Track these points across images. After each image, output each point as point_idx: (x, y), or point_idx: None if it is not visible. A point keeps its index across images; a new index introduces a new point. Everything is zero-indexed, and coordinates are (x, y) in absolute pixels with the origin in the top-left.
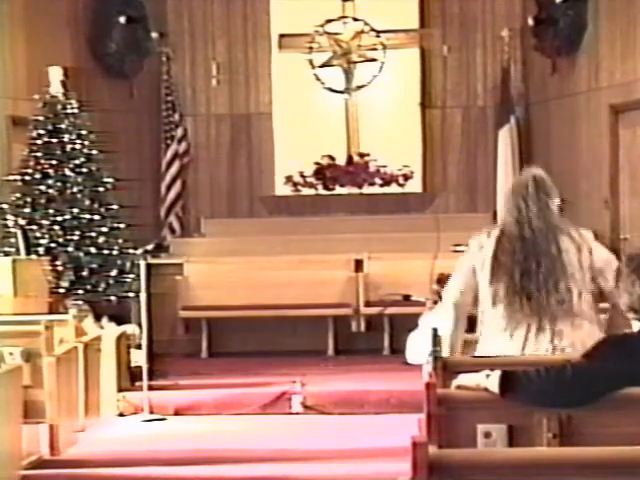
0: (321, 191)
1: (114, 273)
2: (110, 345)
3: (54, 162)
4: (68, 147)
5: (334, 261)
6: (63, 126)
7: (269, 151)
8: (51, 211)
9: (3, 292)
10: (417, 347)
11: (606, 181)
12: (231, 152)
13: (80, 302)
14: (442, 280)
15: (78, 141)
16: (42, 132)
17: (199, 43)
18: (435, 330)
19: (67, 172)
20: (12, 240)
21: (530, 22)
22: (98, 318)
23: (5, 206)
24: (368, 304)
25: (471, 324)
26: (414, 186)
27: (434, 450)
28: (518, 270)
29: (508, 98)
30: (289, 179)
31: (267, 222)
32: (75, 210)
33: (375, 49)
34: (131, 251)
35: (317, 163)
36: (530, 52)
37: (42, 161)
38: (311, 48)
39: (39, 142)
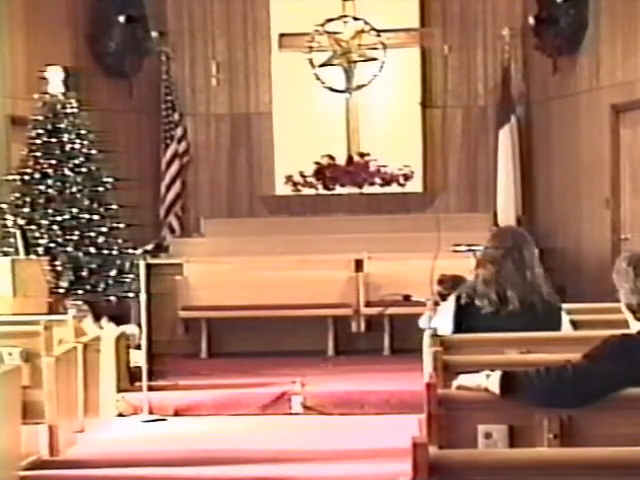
0: (321, 191)
1: (113, 273)
2: (109, 345)
3: (53, 162)
4: (67, 147)
5: (334, 261)
6: (62, 126)
7: (269, 151)
8: (50, 211)
9: (2, 292)
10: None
11: (607, 181)
12: (231, 152)
13: (79, 302)
14: (443, 281)
15: (77, 141)
16: (41, 132)
17: (199, 42)
18: (435, 330)
19: (66, 172)
20: (11, 240)
21: (531, 21)
22: (97, 318)
23: (4, 206)
24: (368, 304)
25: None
26: (414, 186)
27: (434, 451)
28: None
29: (509, 97)
30: (289, 179)
31: (267, 222)
32: (74, 210)
33: (375, 48)
34: (130, 251)
35: (317, 163)
36: (531, 51)
37: (41, 161)
38: (311, 47)
39: (38, 142)
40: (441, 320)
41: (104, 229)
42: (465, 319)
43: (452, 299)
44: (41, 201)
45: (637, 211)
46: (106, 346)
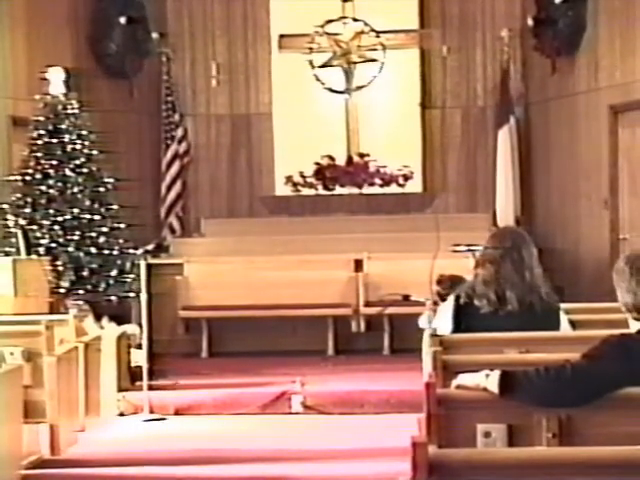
0: (321, 191)
1: (114, 273)
2: (110, 345)
3: (54, 162)
4: (68, 147)
5: (334, 261)
6: (63, 126)
7: (269, 151)
8: (51, 211)
9: (4, 292)
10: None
11: (605, 181)
12: (231, 152)
13: (80, 302)
14: (442, 281)
15: (78, 141)
16: (42, 132)
17: (199, 43)
18: (435, 330)
19: (67, 172)
20: (12, 240)
21: (530, 22)
22: (98, 318)
23: (5, 206)
24: (368, 304)
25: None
26: (414, 186)
27: (434, 450)
28: None
29: (508, 98)
30: (289, 179)
31: (267, 222)
32: (75, 210)
33: (375, 49)
34: (131, 251)
35: (317, 163)
36: (530, 52)
37: (42, 161)
38: (311, 48)
39: (39, 142)
40: (440, 320)
41: (105, 229)
42: (464, 319)
43: (451, 299)
44: (42, 201)
45: (636, 211)
46: (107, 346)
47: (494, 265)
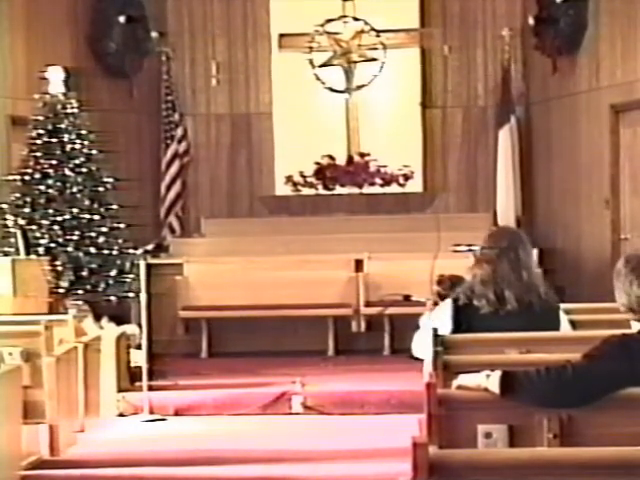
0: (321, 191)
1: (114, 273)
2: (110, 345)
3: (54, 162)
4: (68, 147)
5: (334, 261)
6: (63, 126)
7: (269, 151)
8: (51, 211)
9: (3, 292)
10: (423, 344)
11: (607, 181)
12: (231, 152)
13: (80, 302)
14: (442, 281)
15: (78, 141)
16: (42, 132)
17: (199, 43)
18: (435, 330)
19: (67, 172)
20: (12, 240)
21: (531, 21)
22: (98, 318)
23: (5, 206)
24: (368, 304)
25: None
26: (414, 186)
27: (434, 450)
28: None
29: (509, 98)
30: (289, 179)
31: (267, 222)
32: (75, 210)
33: (375, 49)
34: (131, 251)
35: (317, 163)
36: (531, 52)
37: (42, 161)
38: (311, 48)
39: (39, 142)
40: (437, 322)
41: (104, 229)
42: (464, 320)
43: (449, 301)
44: (42, 201)
45: (637, 211)
46: (106, 346)
47: (491, 265)
